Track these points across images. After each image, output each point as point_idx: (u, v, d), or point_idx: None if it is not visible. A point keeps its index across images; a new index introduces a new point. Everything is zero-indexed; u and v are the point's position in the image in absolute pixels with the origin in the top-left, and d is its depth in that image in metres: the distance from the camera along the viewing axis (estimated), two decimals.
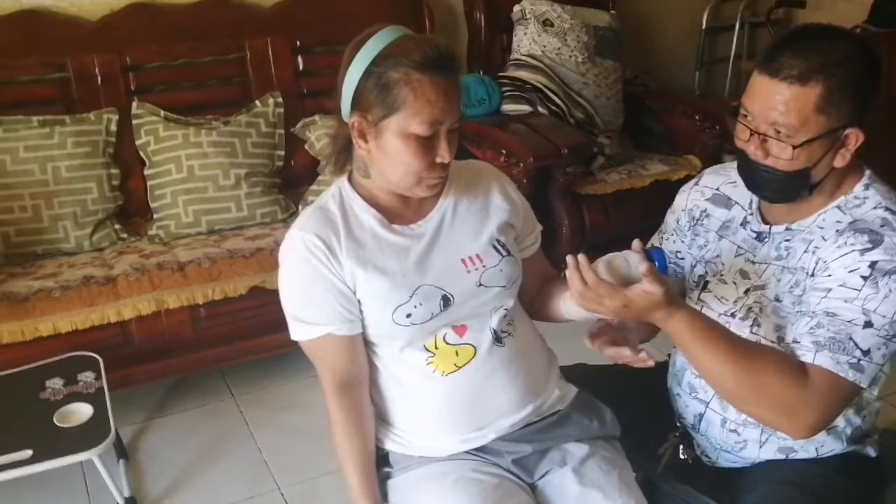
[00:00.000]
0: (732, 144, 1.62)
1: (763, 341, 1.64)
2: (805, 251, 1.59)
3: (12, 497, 2.60)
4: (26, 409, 2.42)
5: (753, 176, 1.59)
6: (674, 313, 1.49)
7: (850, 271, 1.49)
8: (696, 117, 3.94)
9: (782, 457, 1.71)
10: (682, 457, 1.84)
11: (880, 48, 3.77)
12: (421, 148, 1.49)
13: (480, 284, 1.61)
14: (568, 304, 1.67)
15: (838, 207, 1.58)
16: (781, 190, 1.58)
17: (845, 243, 1.51)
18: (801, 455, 1.71)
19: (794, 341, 1.52)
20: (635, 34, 4.50)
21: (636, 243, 1.54)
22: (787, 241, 1.63)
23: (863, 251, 1.49)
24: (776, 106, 1.48)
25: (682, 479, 1.83)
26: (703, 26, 4.87)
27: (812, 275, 1.55)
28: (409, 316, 1.56)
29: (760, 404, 1.50)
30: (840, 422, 1.68)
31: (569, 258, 1.52)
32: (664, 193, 2.00)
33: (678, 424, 1.88)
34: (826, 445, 1.70)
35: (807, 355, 1.48)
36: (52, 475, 2.31)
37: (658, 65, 4.72)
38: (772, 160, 1.53)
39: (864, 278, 1.47)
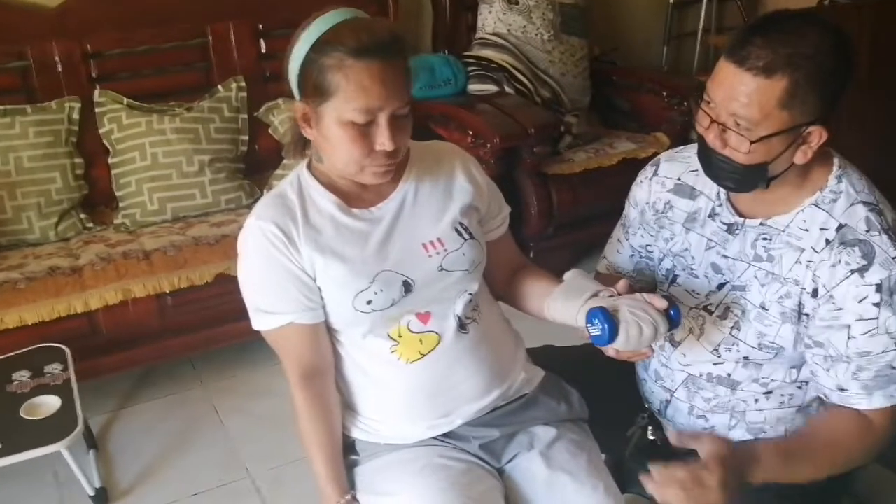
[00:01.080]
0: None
1: (742, 345, 1.64)
2: (796, 262, 1.56)
3: None
4: None
5: (710, 164, 1.55)
6: (758, 455, 1.49)
7: (861, 301, 1.48)
8: (664, 94, 3.94)
9: (751, 437, 1.72)
10: (650, 438, 1.84)
11: (848, 21, 3.81)
12: (359, 135, 1.47)
13: (442, 269, 1.59)
14: (552, 307, 1.65)
15: (816, 205, 1.55)
16: (738, 181, 1.54)
17: (840, 261, 1.50)
18: (770, 434, 1.71)
19: (841, 389, 1.54)
20: (602, 10, 4.49)
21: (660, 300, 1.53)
22: (765, 239, 1.60)
23: (861, 271, 1.48)
24: (738, 97, 1.42)
25: (651, 460, 1.84)
26: (671, 0, 4.85)
27: (814, 295, 1.54)
28: (369, 303, 1.54)
29: (842, 468, 1.58)
30: (814, 402, 1.69)
31: (650, 485, 1.47)
32: (632, 172, 1.97)
33: (646, 406, 1.88)
34: (795, 425, 1.71)
35: (861, 403, 1.53)
36: (21, 468, 2.29)
37: (625, 41, 4.71)
38: (729, 151, 1.48)
39: (877, 305, 1.48)
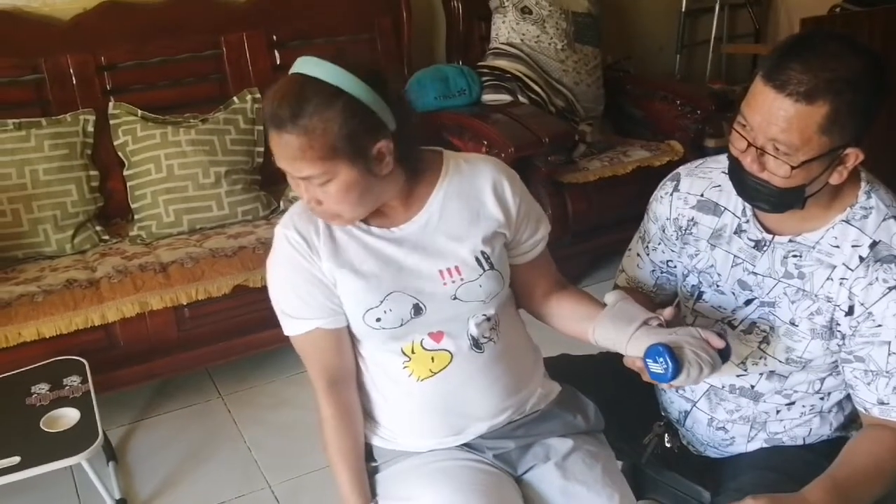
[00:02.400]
0: (713, 128, 1.59)
1: (770, 359, 1.64)
2: (828, 278, 1.55)
3: (2, 503, 2.59)
4: (12, 415, 2.40)
5: (745, 186, 1.54)
6: (806, 498, 1.47)
7: None
8: (677, 102, 3.94)
9: (769, 447, 1.72)
10: (667, 445, 1.84)
11: (859, 28, 3.80)
12: (291, 180, 1.51)
13: (456, 298, 1.58)
14: (598, 332, 1.63)
15: (846, 222, 1.54)
16: (774, 203, 1.53)
17: (877, 279, 1.49)
18: (788, 443, 1.72)
19: (882, 402, 1.54)
20: (615, 19, 4.50)
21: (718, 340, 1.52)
22: (795, 256, 1.59)
23: None
24: (778, 122, 1.40)
25: (667, 466, 1.84)
26: (683, 9, 4.86)
27: (850, 313, 1.53)
28: (378, 320, 1.55)
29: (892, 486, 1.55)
30: (834, 408, 1.69)
31: None
32: (646, 180, 1.97)
33: (663, 414, 1.88)
34: (813, 433, 1.71)
35: None
36: (41, 480, 2.29)
37: (638, 49, 4.72)
38: (767, 175, 1.47)
39: None
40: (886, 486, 1.54)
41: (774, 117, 1.41)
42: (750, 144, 1.47)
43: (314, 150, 1.42)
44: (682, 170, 1.81)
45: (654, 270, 1.86)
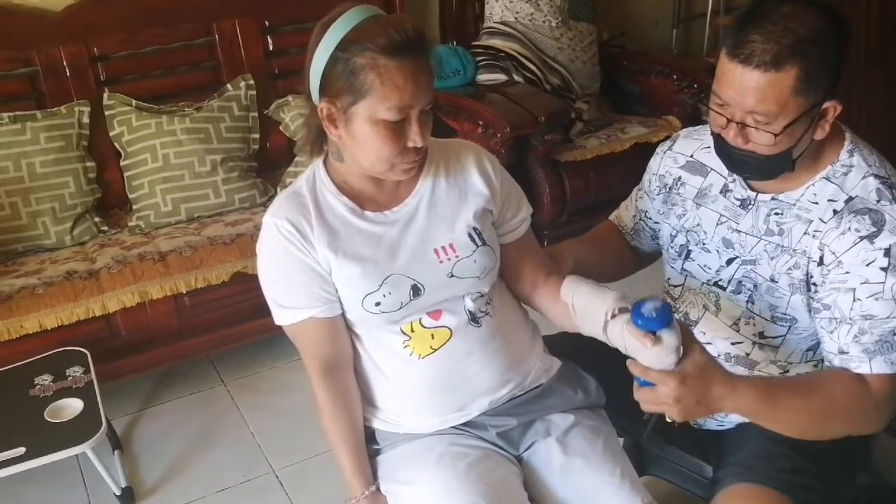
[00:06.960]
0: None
1: (757, 318, 1.66)
2: (804, 233, 1.56)
3: (10, 493, 2.62)
4: (17, 406, 2.42)
5: (734, 161, 1.56)
6: (736, 383, 1.47)
7: (868, 264, 1.48)
8: (674, 77, 3.93)
9: None
10: (668, 420, 1.84)
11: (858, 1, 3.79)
12: (391, 133, 1.46)
13: (452, 275, 1.59)
14: (584, 323, 1.62)
15: (827, 179, 1.55)
16: (765, 171, 1.55)
17: (849, 228, 1.50)
18: None
19: (842, 352, 1.53)
20: None
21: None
22: (776, 213, 1.61)
23: (871, 237, 1.48)
24: (752, 94, 1.42)
25: (669, 442, 1.85)
26: None
27: (821, 263, 1.54)
28: (378, 304, 1.55)
29: (835, 430, 1.54)
30: None
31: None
32: (644, 156, 1.98)
33: None
34: None
35: (861, 366, 1.51)
36: (48, 470, 2.32)
37: (634, 24, 4.69)
38: (752, 146, 1.48)
39: (885, 269, 1.47)
40: (827, 417, 1.51)
41: (747, 90, 1.42)
42: (729, 121, 1.48)
43: (434, 76, 1.50)
44: (682, 131, 1.87)
45: (634, 216, 1.93)
